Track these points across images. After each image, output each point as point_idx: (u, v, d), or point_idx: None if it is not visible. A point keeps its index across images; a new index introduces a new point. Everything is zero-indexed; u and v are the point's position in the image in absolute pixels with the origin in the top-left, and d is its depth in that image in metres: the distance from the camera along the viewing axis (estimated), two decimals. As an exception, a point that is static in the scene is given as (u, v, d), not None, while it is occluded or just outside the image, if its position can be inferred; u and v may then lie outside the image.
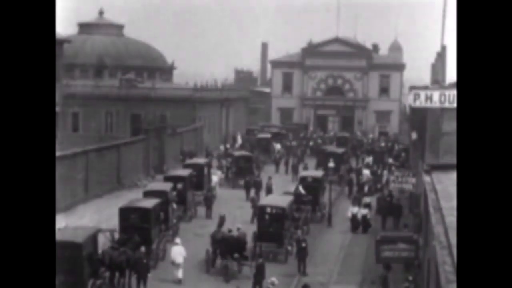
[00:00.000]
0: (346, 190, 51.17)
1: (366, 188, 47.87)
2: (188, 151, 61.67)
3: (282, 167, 60.74)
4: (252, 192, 45.99)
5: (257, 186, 46.96)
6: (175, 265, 29.98)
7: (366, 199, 42.64)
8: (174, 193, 38.84)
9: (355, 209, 40.24)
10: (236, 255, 29.61)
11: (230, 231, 31.75)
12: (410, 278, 26.90)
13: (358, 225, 39.74)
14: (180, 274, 29.77)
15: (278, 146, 70.03)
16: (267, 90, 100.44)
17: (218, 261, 31.01)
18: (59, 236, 25.44)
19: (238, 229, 32.23)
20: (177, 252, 30.13)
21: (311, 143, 75.54)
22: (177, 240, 31.58)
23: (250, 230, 34.05)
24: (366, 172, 55.38)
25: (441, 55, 51.05)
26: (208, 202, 42.98)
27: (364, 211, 40.19)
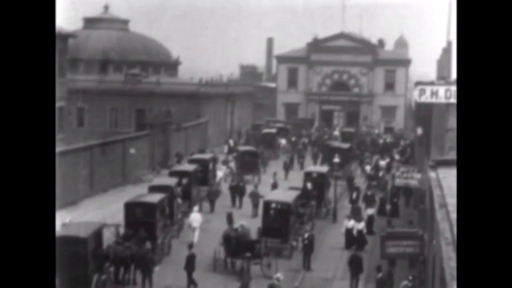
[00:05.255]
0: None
1: (369, 193, 42.71)
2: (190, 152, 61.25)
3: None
4: (237, 200, 44.28)
5: (241, 191, 44.48)
6: (191, 228, 34.93)
7: (369, 211, 39.44)
8: (179, 188, 38.88)
9: (350, 223, 35.62)
10: (248, 254, 29.51)
11: (236, 229, 31.70)
12: (410, 277, 26.88)
13: (353, 241, 34.27)
14: (195, 237, 34.20)
15: (283, 141, 70.08)
16: (272, 85, 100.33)
17: (228, 260, 30.97)
18: (64, 231, 25.58)
19: (242, 226, 32.22)
20: (194, 218, 35.23)
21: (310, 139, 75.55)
22: (195, 208, 36.71)
23: (253, 225, 34.07)
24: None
25: (446, 51, 51.00)
26: (212, 197, 43.02)
27: (360, 226, 35.44)
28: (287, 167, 55.98)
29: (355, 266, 29.31)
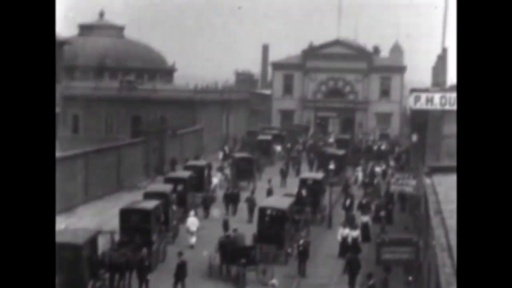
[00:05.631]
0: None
1: (364, 201, 41.97)
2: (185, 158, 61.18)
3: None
4: (230, 207, 43.59)
5: (235, 199, 43.98)
6: (189, 232, 35.72)
7: (363, 218, 38.53)
8: (174, 194, 38.88)
9: (345, 231, 34.91)
10: (243, 260, 29.51)
11: (228, 235, 31.76)
12: (410, 278, 26.86)
13: (348, 249, 33.48)
14: (193, 240, 35.44)
15: (278, 148, 70.11)
16: (267, 92, 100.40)
17: (223, 266, 30.93)
18: (59, 238, 25.44)
19: (235, 230, 32.27)
20: (191, 222, 35.97)
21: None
22: (192, 212, 37.17)
23: (248, 231, 34.07)
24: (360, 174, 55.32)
25: (442, 58, 51.10)
26: (206, 203, 42.98)
27: (355, 233, 34.70)
28: (284, 174, 55.85)
29: (353, 266, 29.54)
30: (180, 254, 28.87)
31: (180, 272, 27.99)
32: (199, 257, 31.97)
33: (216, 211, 36.86)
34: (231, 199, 43.87)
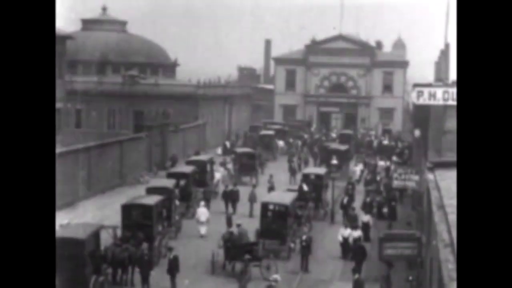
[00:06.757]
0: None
1: (368, 199, 41.34)
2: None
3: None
4: (230, 207, 42.36)
5: (234, 196, 42.86)
6: (199, 223, 36.70)
7: (364, 218, 37.63)
8: (177, 189, 38.89)
9: (346, 232, 34.01)
10: (247, 256, 29.51)
11: (232, 232, 31.77)
12: (410, 278, 26.88)
13: (349, 250, 33.04)
14: (203, 230, 36.37)
15: (281, 143, 70.11)
16: (270, 87, 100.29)
17: (227, 263, 30.92)
18: (61, 233, 25.53)
19: (238, 225, 32.27)
20: (201, 212, 36.96)
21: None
22: (202, 203, 38.28)
23: (250, 225, 34.08)
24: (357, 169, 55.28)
25: (444, 53, 51.06)
26: (207, 196, 42.89)
27: (356, 234, 33.78)
28: (293, 171, 55.04)
29: (359, 253, 29.99)
30: (170, 249, 28.93)
31: (173, 267, 27.98)
32: (206, 250, 32.01)
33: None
34: (231, 197, 42.97)
